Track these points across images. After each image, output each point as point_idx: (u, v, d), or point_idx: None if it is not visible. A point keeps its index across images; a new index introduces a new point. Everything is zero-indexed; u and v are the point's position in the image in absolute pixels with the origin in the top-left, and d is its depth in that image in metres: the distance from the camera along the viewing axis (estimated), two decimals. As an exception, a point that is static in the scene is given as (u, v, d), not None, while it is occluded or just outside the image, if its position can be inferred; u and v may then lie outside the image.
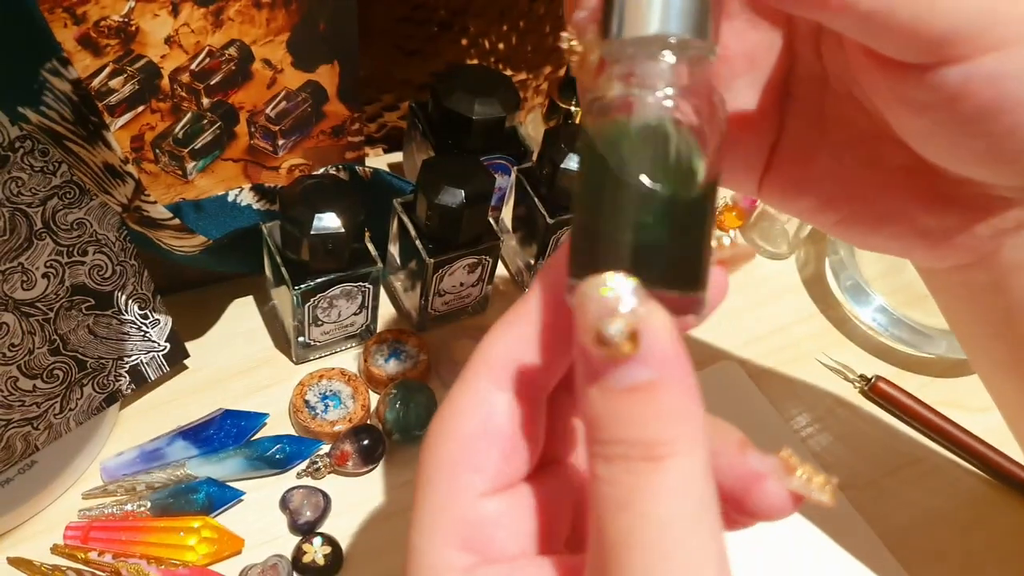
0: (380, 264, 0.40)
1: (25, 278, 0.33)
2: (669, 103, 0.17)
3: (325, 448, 0.40)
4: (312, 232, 0.37)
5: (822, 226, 0.26)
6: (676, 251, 0.17)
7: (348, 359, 0.44)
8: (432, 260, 0.40)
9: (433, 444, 0.18)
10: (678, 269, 0.17)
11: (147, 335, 0.38)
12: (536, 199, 0.43)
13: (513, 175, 0.45)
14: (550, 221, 0.43)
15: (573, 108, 0.49)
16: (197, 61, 0.36)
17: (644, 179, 0.17)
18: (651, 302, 0.16)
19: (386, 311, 0.46)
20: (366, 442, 0.39)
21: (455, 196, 0.38)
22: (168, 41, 0.34)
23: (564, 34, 0.19)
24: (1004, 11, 0.18)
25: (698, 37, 0.17)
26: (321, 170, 0.43)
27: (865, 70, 0.21)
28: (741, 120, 0.24)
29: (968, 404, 0.47)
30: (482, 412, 0.18)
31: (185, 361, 0.41)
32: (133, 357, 0.38)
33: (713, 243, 0.18)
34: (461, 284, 0.43)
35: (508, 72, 0.53)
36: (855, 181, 0.25)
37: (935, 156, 0.22)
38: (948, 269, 0.26)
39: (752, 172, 0.26)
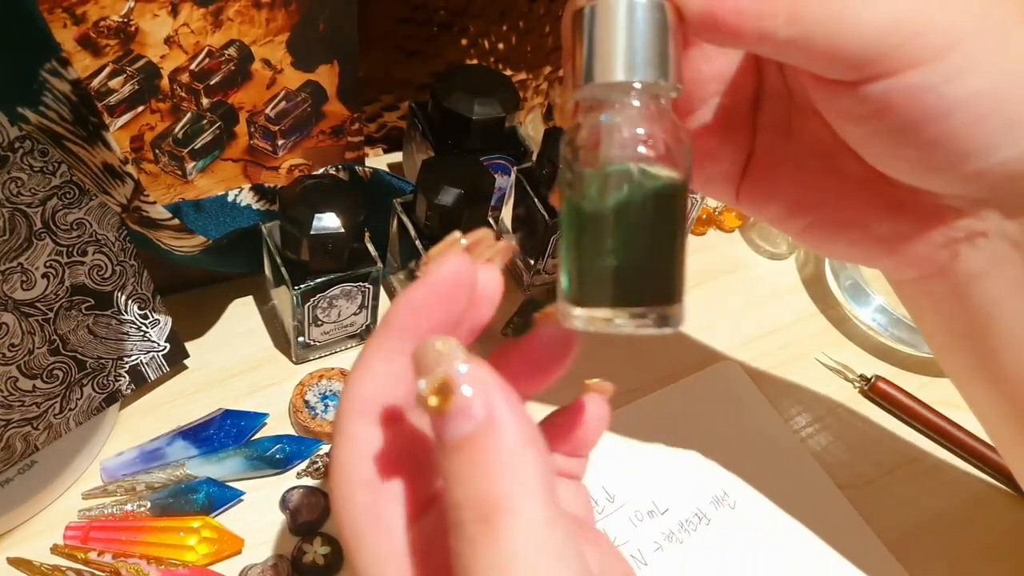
0: (380, 264, 0.40)
1: (25, 278, 0.33)
2: (637, 142, 0.19)
3: (325, 448, 0.40)
4: (312, 232, 0.36)
5: (790, 232, 0.28)
6: (648, 273, 0.19)
7: (348, 359, 0.44)
8: (432, 260, 0.40)
9: (342, 499, 0.18)
10: (651, 288, 0.19)
11: (147, 335, 0.38)
12: (536, 199, 0.43)
13: (513, 175, 0.45)
14: (550, 221, 0.43)
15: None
16: (197, 61, 0.36)
17: (613, 211, 0.19)
18: (471, 358, 0.16)
19: (386, 311, 0.46)
20: (366, 442, 0.39)
21: (454, 196, 0.38)
22: (168, 41, 0.34)
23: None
24: (920, 27, 0.19)
25: (661, 79, 0.19)
26: (321, 170, 0.43)
27: (808, 84, 0.22)
28: (718, 135, 0.26)
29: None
30: (368, 452, 0.18)
31: (185, 361, 0.41)
32: (133, 357, 0.38)
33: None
34: (461, 284, 0.43)
35: (508, 72, 0.53)
36: (818, 189, 0.26)
37: (878, 164, 0.23)
38: (912, 280, 0.27)
39: (730, 180, 0.27)
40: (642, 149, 0.19)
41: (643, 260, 0.19)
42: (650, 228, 0.19)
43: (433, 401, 0.16)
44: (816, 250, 0.28)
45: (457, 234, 0.19)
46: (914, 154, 0.21)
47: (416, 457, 0.19)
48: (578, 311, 0.19)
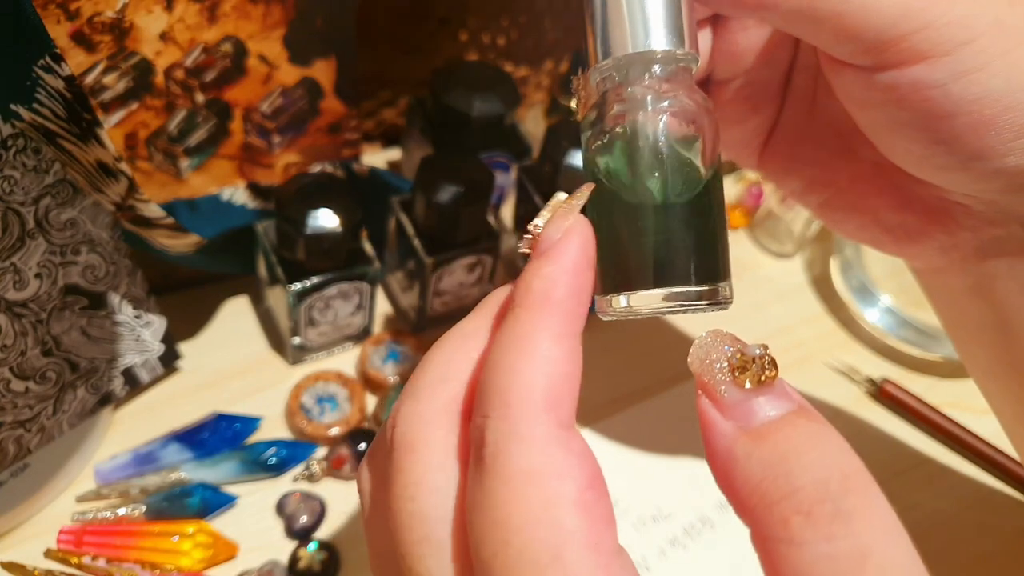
0: (377, 263, 0.39)
1: (17, 278, 0.32)
2: (662, 114, 0.18)
3: (321, 452, 0.39)
4: (308, 231, 0.36)
5: (808, 206, 0.28)
6: (690, 250, 0.18)
7: (345, 361, 0.43)
8: (430, 259, 0.40)
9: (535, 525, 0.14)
10: (696, 266, 0.18)
11: (140, 336, 0.38)
12: (537, 197, 0.43)
13: (513, 173, 0.45)
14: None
15: (573, 105, 0.48)
16: (192, 57, 0.35)
17: (647, 192, 0.18)
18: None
19: (383, 312, 0.45)
20: (363, 446, 0.38)
21: (454, 194, 0.38)
22: (163, 37, 0.34)
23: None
24: (930, 19, 0.19)
25: (679, 47, 0.19)
26: (318, 168, 0.42)
27: (822, 62, 0.22)
28: (748, 104, 0.26)
29: (976, 406, 0.46)
30: (569, 463, 0.16)
31: (179, 363, 0.41)
32: (126, 359, 0.38)
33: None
34: (460, 284, 0.42)
35: (508, 68, 0.52)
36: (832, 169, 0.26)
37: (888, 153, 0.23)
38: (930, 271, 0.27)
39: (753, 148, 0.27)
40: (668, 123, 0.18)
41: (680, 239, 0.18)
42: (684, 206, 0.18)
43: (747, 382, 0.16)
44: (831, 228, 0.29)
45: (562, 195, 0.18)
46: (921, 149, 0.21)
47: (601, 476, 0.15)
48: (622, 296, 0.18)
